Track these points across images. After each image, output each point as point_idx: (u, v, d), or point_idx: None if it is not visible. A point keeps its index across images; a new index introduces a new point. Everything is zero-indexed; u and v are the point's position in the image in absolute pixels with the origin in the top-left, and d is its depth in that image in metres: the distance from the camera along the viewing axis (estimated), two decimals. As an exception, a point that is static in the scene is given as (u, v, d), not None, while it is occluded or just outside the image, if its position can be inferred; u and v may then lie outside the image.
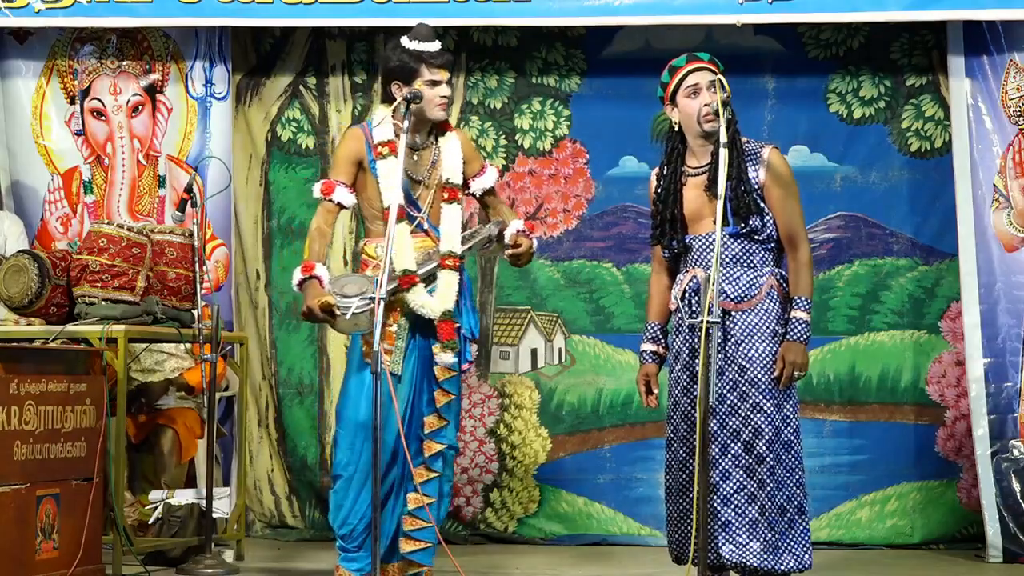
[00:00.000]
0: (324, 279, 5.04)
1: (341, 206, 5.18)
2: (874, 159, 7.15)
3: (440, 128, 5.29)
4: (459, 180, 5.26)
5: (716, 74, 4.81)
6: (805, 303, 4.81)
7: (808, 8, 6.60)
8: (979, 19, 6.59)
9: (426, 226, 5.21)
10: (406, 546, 5.20)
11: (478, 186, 5.35)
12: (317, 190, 5.19)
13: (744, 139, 4.86)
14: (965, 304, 6.71)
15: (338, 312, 4.95)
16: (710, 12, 6.65)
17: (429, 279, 5.16)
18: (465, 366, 5.24)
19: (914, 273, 7.13)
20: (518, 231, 5.26)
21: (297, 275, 5.07)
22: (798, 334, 4.79)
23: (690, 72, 4.84)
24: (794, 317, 4.81)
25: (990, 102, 6.72)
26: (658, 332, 5.03)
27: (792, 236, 4.86)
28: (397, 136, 5.15)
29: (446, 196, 5.22)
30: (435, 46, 5.16)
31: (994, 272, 6.67)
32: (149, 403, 6.75)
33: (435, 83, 5.14)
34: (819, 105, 7.17)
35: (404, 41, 5.17)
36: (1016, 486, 6.57)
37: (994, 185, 6.70)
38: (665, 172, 4.93)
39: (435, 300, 5.14)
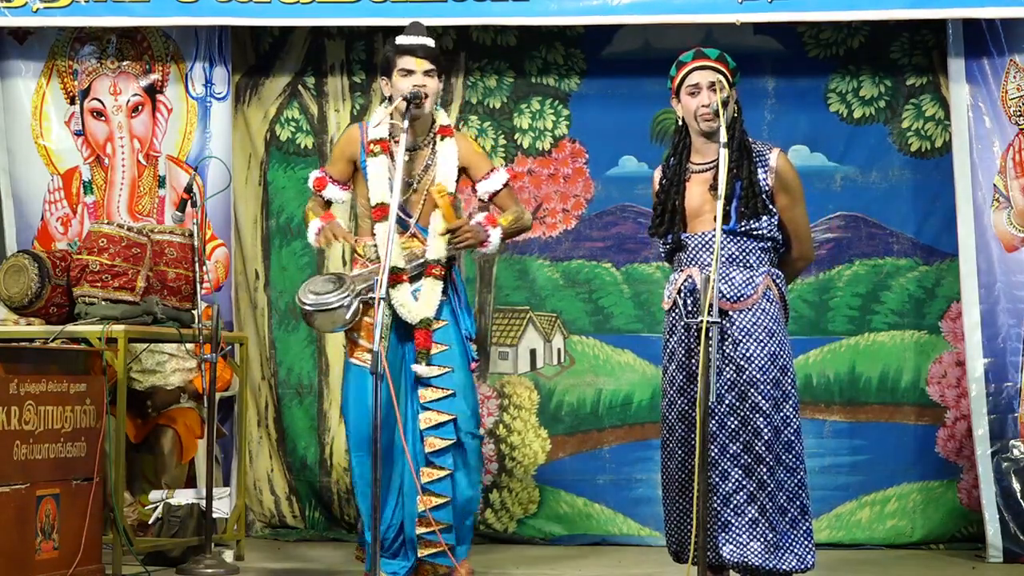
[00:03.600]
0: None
1: (329, 203, 5.42)
2: (874, 159, 7.14)
3: (441, 133, 5.30)
4: (451, 188, 5.28)
5: (721, 74, 4.82)
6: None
7: (808, 7, 6.59)
8: (979, 17, 6.59)
9: (413, 229, 5.24)
10: (422, 550, 5.20)
11: (484, 189, 5.37)
12: (310, 181, 5.34)
13: (751, 140, 4.87)
14: (965, 304, 6.70)
15: (307, 308, 5.14)
16: (709, 11, 6.63)
17: (414, 279, 5.20)
18: (473, 365, 5.27)
19: (914, 273, 7.13)
20: (477, 222, 5.32)
21: (316, 224, 5.29)
22: None
23: (693, 70, 4.84)
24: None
25: (990, 102, 6.72)
26: None
27: (797, 241, 4.90)
28: (391, 136, 5.18)
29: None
30: (416, 40, 5.20)
31: (994, 272, 6.67)
32: (158, 409, 6.73)
33: (408, 72, 5.18)
34: (819, 105, 7.17)
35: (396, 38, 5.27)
36: (1016, 486, 6.57)
37: (994, 185, 6.70)
38: (671, 164, 4.93)
39: (418, 304, 5.17)
